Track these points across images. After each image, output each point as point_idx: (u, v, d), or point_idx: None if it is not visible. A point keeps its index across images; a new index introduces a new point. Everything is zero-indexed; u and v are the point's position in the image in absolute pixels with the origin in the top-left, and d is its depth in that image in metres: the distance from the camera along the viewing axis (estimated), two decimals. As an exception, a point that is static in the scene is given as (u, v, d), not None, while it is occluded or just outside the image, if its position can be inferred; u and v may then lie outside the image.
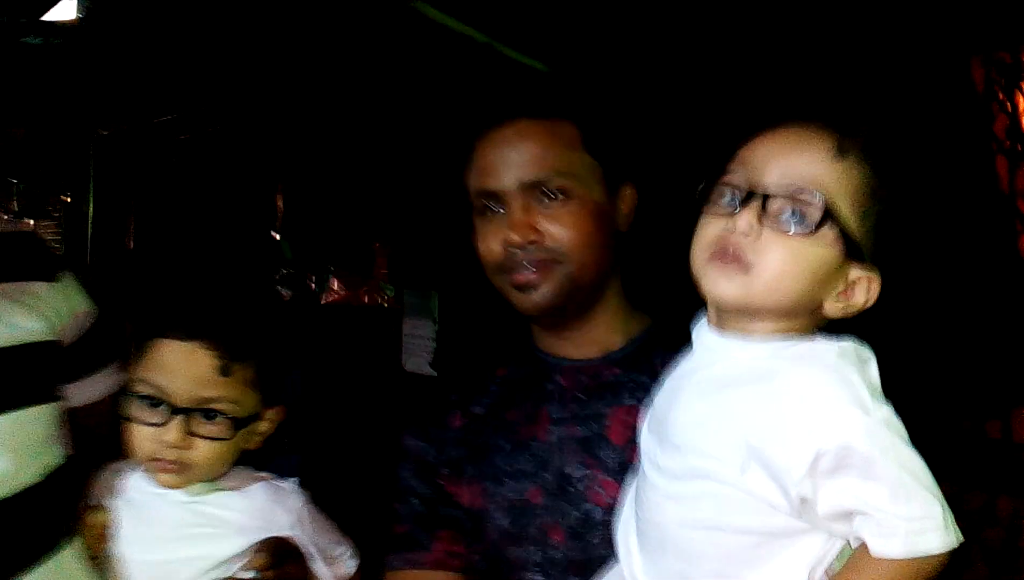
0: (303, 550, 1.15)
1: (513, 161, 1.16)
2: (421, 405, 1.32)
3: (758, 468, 0.84)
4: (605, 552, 1.08)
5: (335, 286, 3.59)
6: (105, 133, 3.60)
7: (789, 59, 2.14)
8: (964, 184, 2.19)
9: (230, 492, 1.15)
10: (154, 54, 2.86)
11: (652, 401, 1.02)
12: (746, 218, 0.85)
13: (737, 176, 0.89)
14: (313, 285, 3.61)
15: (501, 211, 1.19)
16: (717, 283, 0.88)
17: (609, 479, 1.14)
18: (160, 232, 3.71)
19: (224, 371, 1.11)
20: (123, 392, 1.15)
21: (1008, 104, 2.16)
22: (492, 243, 1.19)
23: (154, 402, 1.10)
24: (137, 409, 1.11)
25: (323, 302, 3.61)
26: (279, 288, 3.47)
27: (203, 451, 1.11)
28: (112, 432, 1.16)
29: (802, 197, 0.84)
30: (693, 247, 0.92)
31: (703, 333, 0.97)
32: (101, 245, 3.66)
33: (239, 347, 1.13)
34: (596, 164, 1.21)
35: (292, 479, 1.21)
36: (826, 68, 2.11)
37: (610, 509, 1.10)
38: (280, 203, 3.70)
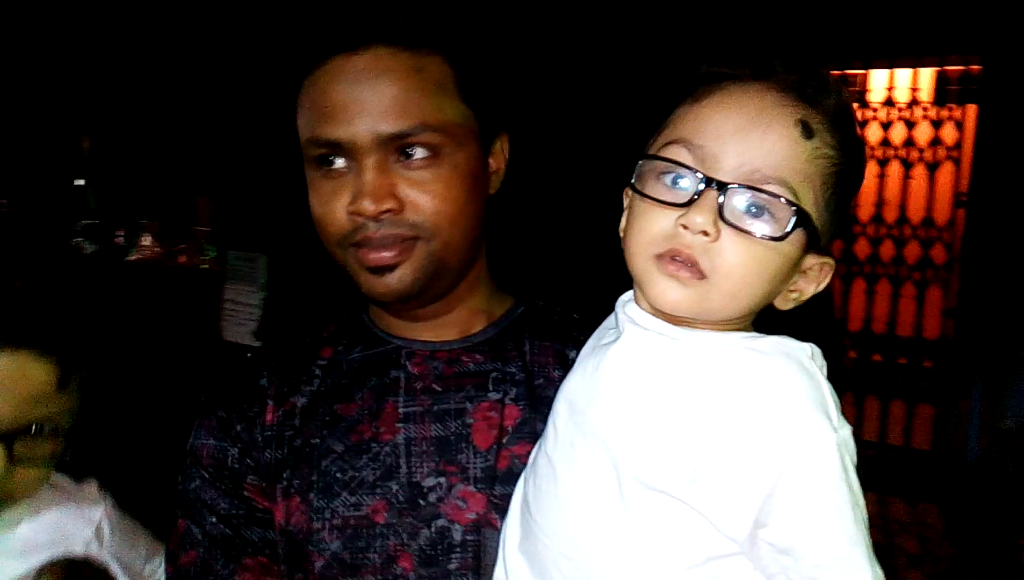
0: (104, 569, 1.02)
1: (367, 104, 0.94)
2: (220, 393, 1.06)
3: (711, 479, 0.73)
4: None
5: (147, 242, 3.37)
6: None
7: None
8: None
9: (13, 503, 0.99)
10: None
11: (562, 393, 0.89)
12: (703, 216, 0.74)
13: (684, 153, 0.77)
14: (121, 240, 3.38)
15: (344, 165, 0.96)
16: (665, 290, 0.77)
17: (471, 490, 0.97)
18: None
19: (62, 384, 0.95)
20: None
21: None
22: (334, 208, 0.96)
23: None
24: None
25: (130, 260, 3.37)
26: (79, 241, 3.11)
27: (30, 477, 0.96)
28: None
29: (768, 189, 0.73)
30: (631, 238, 0.80)
31: (633, 313, 0.83)
32: None
33: (80, 352, 0.97)
34: (471, 114, 1.00)
35: (91, 480, 1.06)
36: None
37: (473, 527, 0.96)
38: (85, 144, 3.40)
